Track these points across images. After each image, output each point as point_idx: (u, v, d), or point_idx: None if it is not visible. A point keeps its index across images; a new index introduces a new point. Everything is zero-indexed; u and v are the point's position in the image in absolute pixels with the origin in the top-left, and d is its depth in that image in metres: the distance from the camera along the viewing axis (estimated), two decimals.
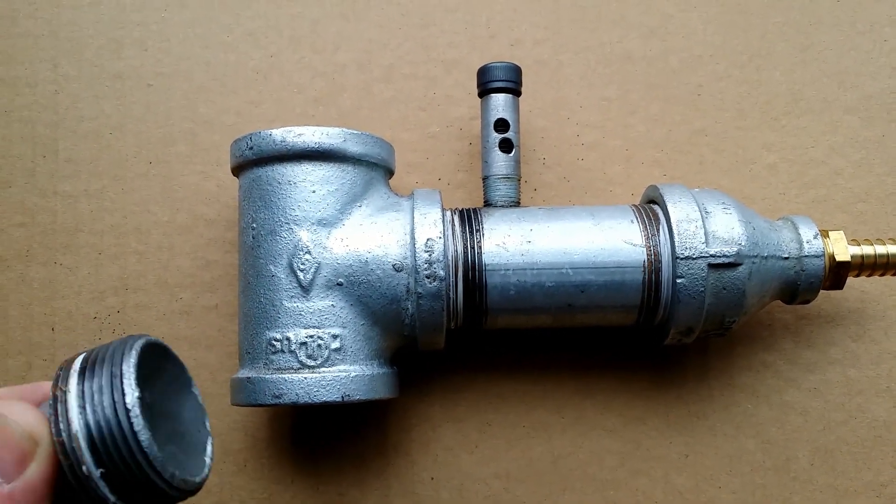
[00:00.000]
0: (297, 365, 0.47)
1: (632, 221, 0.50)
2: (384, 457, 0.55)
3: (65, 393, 0.30)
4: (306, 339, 0.47)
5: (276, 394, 0.46)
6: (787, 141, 0.58)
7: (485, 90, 0.53)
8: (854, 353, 0.56)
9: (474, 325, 0.50)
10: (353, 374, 0.47)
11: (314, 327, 0.47)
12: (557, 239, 0.49)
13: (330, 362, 0.47)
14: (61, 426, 0.30)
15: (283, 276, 0.47)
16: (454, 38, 0.59)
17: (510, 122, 0.52)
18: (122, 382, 0.30)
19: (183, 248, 0.56)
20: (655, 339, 0.53)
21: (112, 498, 0.30)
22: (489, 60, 0.53)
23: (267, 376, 0.46)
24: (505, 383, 0.56)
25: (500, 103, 0.52)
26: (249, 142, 0.49)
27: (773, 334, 0.56)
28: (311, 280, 0.47)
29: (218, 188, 0.57)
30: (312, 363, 0.47)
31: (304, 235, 0.47)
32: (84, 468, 0.29)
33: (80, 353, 0.32)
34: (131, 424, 0.29)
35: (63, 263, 0.56)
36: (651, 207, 0.51)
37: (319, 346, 0.47)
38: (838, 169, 0.58)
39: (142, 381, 0.30)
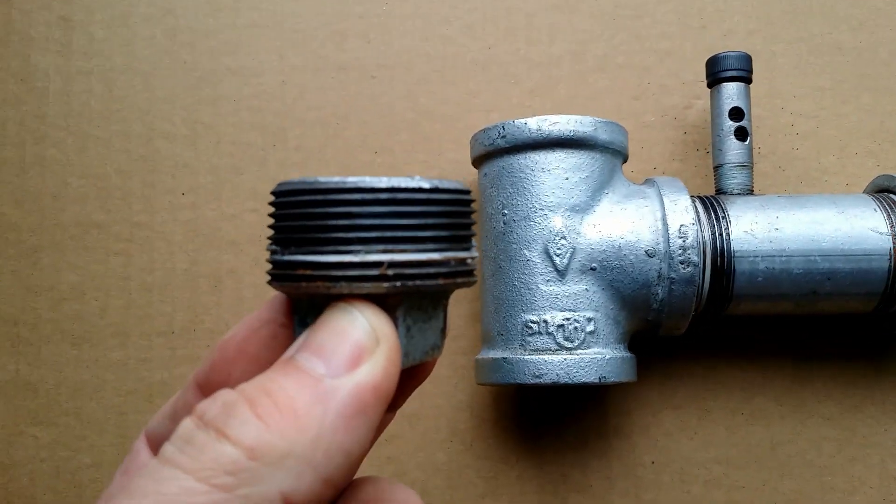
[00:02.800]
0: (554, 346, 0.48)
1: (875, 210, 0.50)
2: (605, 440, 0.56)
3: None
4: (563, 322, 0.48)
5: (537, 374, 0.48)
6: None
7: (716, 79, 0.53)
8: None
9: (716, 311, 0.51)
10: (608, 356, 0.48)
11: (570, 310, 0.48)
12: (804, 226, 0.49)
13: (585, 345, 0.48)
14: None
15: (538, 260, 0.49)
16: (667, 29, 0.60)
17: (744, 111, 0.53)
18: None
19: None
20: (890, 327, 0.53)
21: None
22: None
23: (525, 357, 0.48)
24: (722, 370, 0.57)
25: (733, 92, 0.53)
26: (501, 130, 0.50)
27: None
28: (567, 265, 0.48)
29: (440, 176, 0.58)
30: (570, 345, 0.48)
31: (559, 221, 0.49)
32: None
33: None
34: None
35: None
36: (889, 197, 0.51)
37: (576, 328, 0.48)
38: None
39: None
